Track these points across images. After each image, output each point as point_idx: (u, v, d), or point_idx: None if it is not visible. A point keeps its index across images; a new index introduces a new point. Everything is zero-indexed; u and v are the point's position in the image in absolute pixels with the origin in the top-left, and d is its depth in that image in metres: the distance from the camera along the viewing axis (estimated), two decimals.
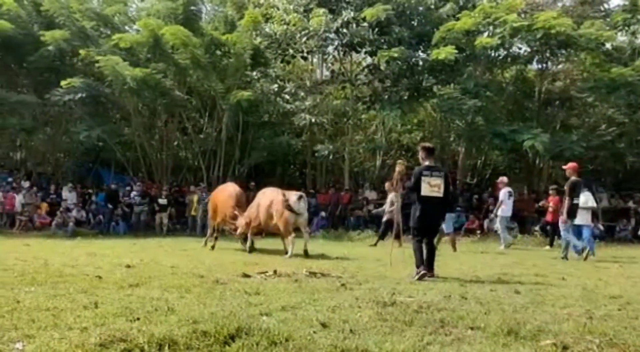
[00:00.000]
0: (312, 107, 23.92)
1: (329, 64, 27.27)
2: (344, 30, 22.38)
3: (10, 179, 22.81)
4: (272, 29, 23.33)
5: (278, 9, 23.54)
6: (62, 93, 21.14)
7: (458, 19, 21.39)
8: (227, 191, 14.55)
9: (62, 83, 20.73)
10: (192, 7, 23.60)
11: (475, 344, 4.39)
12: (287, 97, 25.34)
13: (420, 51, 22.94)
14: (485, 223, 21.24)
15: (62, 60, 23.21)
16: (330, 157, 23.67)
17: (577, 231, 12.99)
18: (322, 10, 21.94)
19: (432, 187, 8.51)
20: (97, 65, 20.74)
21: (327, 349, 4.07)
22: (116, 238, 17.98)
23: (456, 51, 20.58)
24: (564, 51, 22.53)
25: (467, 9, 22.46)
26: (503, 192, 16.26)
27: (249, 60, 22.99)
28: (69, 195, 22.04)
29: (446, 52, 20.39)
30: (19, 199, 20.83)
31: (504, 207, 16.10)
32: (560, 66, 24.97)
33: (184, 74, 22.52)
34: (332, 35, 23.01)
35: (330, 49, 24.64)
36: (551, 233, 16.61)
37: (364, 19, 21.82)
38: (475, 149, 25.18)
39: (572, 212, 12.70)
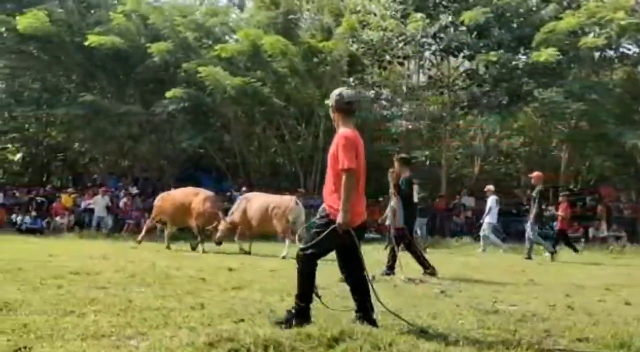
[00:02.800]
0: (409, 113, 23.76)
1: (426, 70, 27.03)
2: (442, 35, 22.14)
3: (120, 184, 23.97)
4: (368, 35, 23.33)
5: (375, 15, 23.54)
6: (167, 103, 21.99)
7: (560, 20, 20.71)
8: (203, 194, 14.57)
9: (167, 94, 21.53)
10: (291, 16, 24.04)
11: None
12: (383, 103, 25.30)
13: (520, 54, 22.36)
14: (591, 232, 20.41)
15: (166, 71, 24.16)
16: (427, 163, 23.41)
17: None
18: (419, 15, 21.75)
19: (418, 194, 9.66)
20: (199, 75, 21.43)
21: None
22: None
23: (558, 53, 19.92)
24: None
25: (571, 8, 21.69)
26: (491, 200, 16.53)
27: (346, 67, 23.19)
28: None
29: (547, 54, 19.80)
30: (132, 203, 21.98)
31: (492, 214, 16.51)
32: None
33: (282, 81, 22.94)
34: (429, 40, 22.82)
35: (427, 54, 24.42)
36: (567, 240, 15.98)
37: (462, 23, 21.51)
38: (579, 154, 24.24)
39: (538, 217, 14.04)
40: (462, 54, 23.14)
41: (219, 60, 22.38)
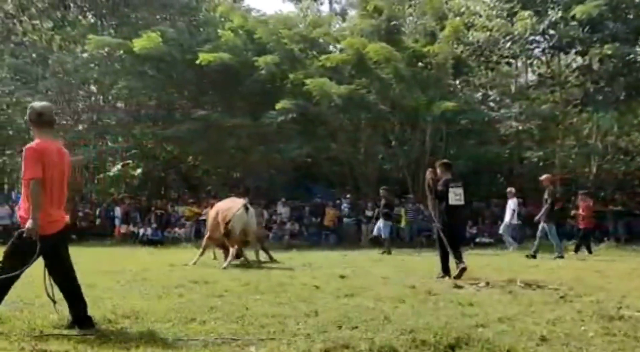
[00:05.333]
0: (519, 113, 23.10)
1: (535, 68, 26.19)
2: (551, 31, 21.37)
3: (232, 195, 24.64)
4: (474, 37, 22.88)
5: (480, 16, 23.04)
6: (275, 115, 22.46)
7: None
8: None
9: (277, 106, 22.00)
10: (394, 22, 23.97)
11: None
12: (491, 104, 24.72)
13: (638, 46, 21.19)
14: None
15: (273, 83, 24.68)
16: (540, 164, 22.65)
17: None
18: (527, 13, 21.06)
19: (456, 196, 9.65)
20: (305, 86, 21.78)
21: None
22: (328, 249, 18.64)
23: None
24: None
25: None
26: (514, 202, 17.46)
27: (451, 70, 22.85)
28: (282, 209, 23.39)
29: None
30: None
31: (514, 216, 17.46)
32: None
33: (387, 88, 22.88)
34: (538, 38, 22.10)
35: (536, 51, 23.66)
36: (581, 239, 16.29)
37: (573, 18, 20.65)
38: None
39: (552, 216, 14.81)
40: (573, 50, 22.23)
41: (324, 70, 22.67)
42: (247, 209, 11.80)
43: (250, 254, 12.46)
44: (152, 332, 4.86)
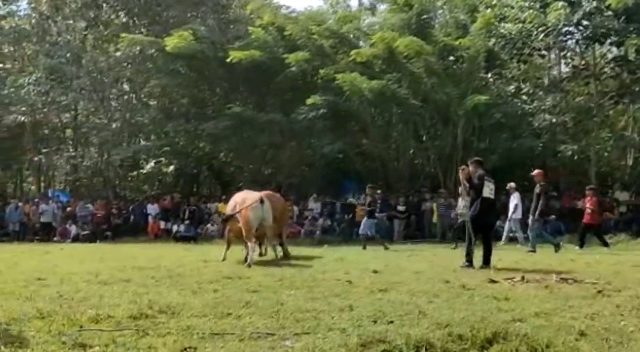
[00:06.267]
0: (553, 106, 22.78)
1: (569, 60, 25.80)
2: (585, 22, 21.03)
3: None
4: (506, 29, 22.60)
5: (512, 7, 22.76)
6: (306, 110, 22.49)
7: None
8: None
9: (307, 101, 22.04)
10: (425, 16, 23.82)
11: None
12: (524, 97, 24.43)
13: None
14: None
15: (304, 79, 24.73)
16: (575, 157, 22.33)
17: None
18: (560, 4, 20.72)
19: (490, 190, 10.16)
20: (336, 81, 21.76)
21: None
22: (360, 245, 18.60)
23: None
24: None
25: None
26: (517, 197, 17.22)
27: (483, 63, 22.63)
28: (314, 205, 23.44)
29: None
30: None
31: (518, 211, 17.12)
32: None
33: (418, 82, 22.74)
34: (571, 29, 21.78)
35: (570, 43, 23.32)
36: (582, 235, 16.21)
37: (608, 8, 20.30)
38: None
39: (540, 212, 14.71)
40: (609, 41, 21.84)
41: (354, 65, 22.63)
42: (262, 202, 11.36)
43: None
44: (188, 326, 4.91)
